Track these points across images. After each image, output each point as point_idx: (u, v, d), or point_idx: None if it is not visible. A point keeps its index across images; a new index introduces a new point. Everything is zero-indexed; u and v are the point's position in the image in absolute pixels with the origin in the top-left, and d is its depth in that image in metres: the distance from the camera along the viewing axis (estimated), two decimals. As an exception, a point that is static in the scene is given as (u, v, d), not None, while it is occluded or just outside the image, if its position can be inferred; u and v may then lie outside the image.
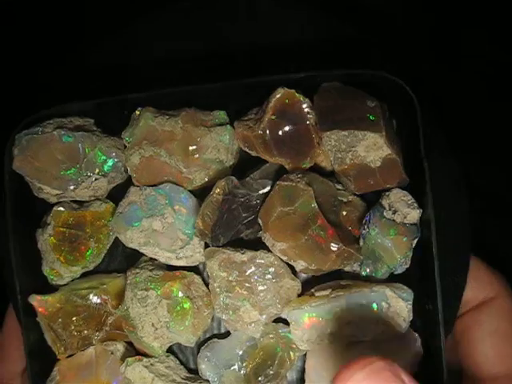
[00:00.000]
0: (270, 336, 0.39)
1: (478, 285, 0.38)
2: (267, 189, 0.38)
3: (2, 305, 0.40)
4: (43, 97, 0.39)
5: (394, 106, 0.37)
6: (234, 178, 0.38)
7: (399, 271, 0.37)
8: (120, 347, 0.39)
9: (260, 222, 0.36)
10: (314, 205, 0.35)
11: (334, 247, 0.35)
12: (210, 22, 0.41)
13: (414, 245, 0.37)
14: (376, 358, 0.28)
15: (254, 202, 0.38)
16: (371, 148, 0.35)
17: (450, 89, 0.43)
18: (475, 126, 0.44)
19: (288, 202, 0.35)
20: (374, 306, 0.36)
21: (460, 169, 0.39)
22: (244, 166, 0.40)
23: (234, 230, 0.38)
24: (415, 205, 0.37)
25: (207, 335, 0.40)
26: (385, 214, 0.37)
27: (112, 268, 0.41)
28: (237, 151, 0.39)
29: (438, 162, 0.37)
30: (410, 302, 0.36)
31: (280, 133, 0.37)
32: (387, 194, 0.37)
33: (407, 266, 0.37)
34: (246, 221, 0.38)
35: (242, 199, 0.38)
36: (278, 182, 0.36)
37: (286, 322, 0.39)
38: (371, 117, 0.35)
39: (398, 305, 0.36)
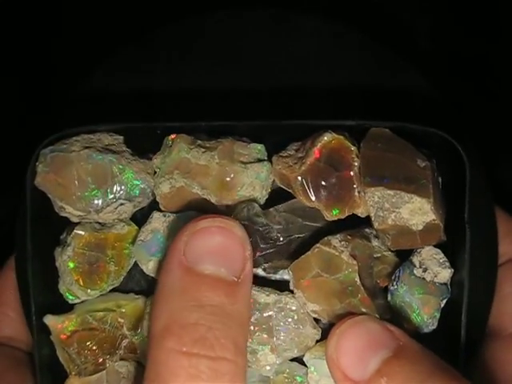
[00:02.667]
0: (284, 375, 0.38)
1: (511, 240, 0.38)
2: (294, 232, 0.36)
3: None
4: (70, 113, 0.37)
5: (441, 163, 0.36)
6: (256, 205, 0.36)
7: (426, 331, 0.36)
8: (131, 368, 0.39)
9: (290, 274, 0.35)
10: (357, 279, 0.34)
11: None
12: (252, 54, 0.38)
13: (442, 305, 0.36)
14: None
15: (274, 235, 0.37)
16: (416, 212, 0.34)
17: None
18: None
19: (328, 270, 0.34)
20: None
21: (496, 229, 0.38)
22: (275, 198, 0.38)
23: None
24: (447, 264, 0.36)
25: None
26: (415, 271, 0.36)
27: (130, 287, 0.40)
28: (271, 187, 0.37)
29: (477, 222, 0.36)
30: None
31: (321, 179, 0.35)
32: (419, 251, 0.36)
33: (434, 327, 0.36)
34: (264, 253, 0.37)
35: (261, 229, 0.36)
36: (318, 245, 0.34)
37: (299, 361, 0.39)
38: (420, 180, 0.33)
39: None
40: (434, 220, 0.34)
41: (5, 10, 0.35)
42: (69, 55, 0.39)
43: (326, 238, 0.35)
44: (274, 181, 0.37)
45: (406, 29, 0.42)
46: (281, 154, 0.36)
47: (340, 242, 0.34)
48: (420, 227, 0.34)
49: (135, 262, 0.39)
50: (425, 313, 0.35)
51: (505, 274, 0.38)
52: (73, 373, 0.37)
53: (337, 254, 0.34)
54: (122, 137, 0.37)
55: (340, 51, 0.39)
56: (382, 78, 0.39)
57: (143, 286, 0.40)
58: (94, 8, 0.38)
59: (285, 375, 0.38)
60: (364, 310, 0.34)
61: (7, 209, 0.37)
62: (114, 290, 0.39)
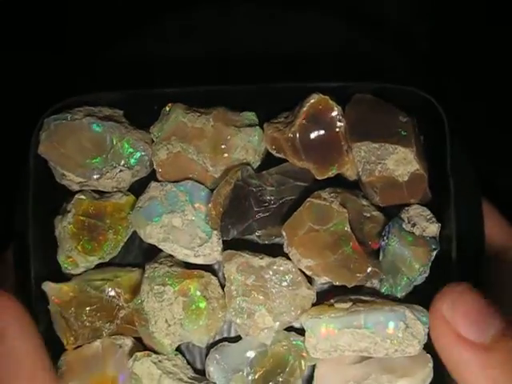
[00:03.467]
0: (282, 344, 0.38)
1: (498, 230, 0.38)
2: (286, 194, 0.38)
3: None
4: (75, 84, 0.39)
5: (421, 122, 0.38)
6: (249, 167, 0.38)
7: (419, 281, 0.37)
8: (128, 342, 0.39)
9: (284, 234, 0.36)
10: (348, 228, 0.35)
11: (364, 269, 0.35)
12: (243, 23, 0.41)
13: (432, 257, 0.37)
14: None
15: (268, 198, 0.38)
16: (401, 162, 0.36)
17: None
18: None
19: (320, 221, 0.35)
20: (391, 324, 0.36)
21: (479, 189, 0.39)
22: (265, 168, 0.40)
23: (244, 223, 0.38)
24: (434, 219, 0.37)
25: (217, 338, 0.40)
26: (404, 226, 0.37)
27: (127, 262, 0.40)
28: (263, 154, 0.39)
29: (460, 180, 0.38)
30: (427, 326, 0.36)
31: (310, 137, 0.37)
32: (406, 209, 0.37)
33: (426, 274, 0.37)
34: (257, 216, 0.38)
35: (255, 189, 0.38)
36: (308, 199, 0.36)
37: (297, 331, 0.39)
38: (402, 132, 0.36)
39: (416, 327, 0.35)
40: (417, 170, 0.36)
41: None
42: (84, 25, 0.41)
43: (315, 193, 0.36)
44: (264, 153, 0.39)
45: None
46: (271, 121, 0.39)
47: (329, 194, 0.36)
48: (405, 178, 0.36)
49: (133, 235, 0.40)
50: (417, 262, 0.36)
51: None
52: (69, 342, 0.37)
53: (327, 204, 0.35)
54: (121, 111, 0.39)
55: (326, 19, 0.42)
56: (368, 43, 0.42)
57: (140, 260, 0.40)
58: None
59: (283, 343, 0.39)
60: (356, 260, 0.35)
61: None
62: (111, 264, 0.40)
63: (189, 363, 0.40)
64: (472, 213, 0.38)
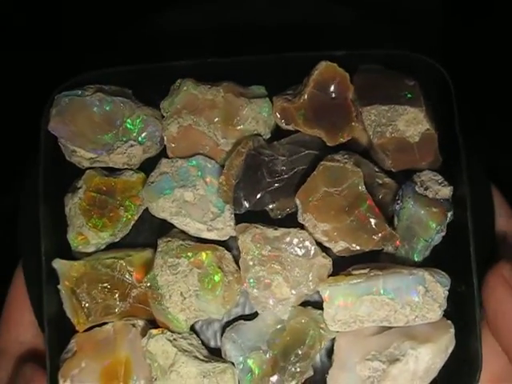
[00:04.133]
0: (300, 318, 0.37)
1: (504, 211, 0.38)
2: (298, 163, 0.38)
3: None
4: (85, 60, 0.40)
5: (428, 87, 0.38)
6: (261, 138, 0.38)
7: (436, 241, 0.37)
8: (141, 323, 0.37)
9: (298, 202, 0.36)
10: (362, 187, 0.35)
11: (381, 229, 0.35)
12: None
13: (448, 218, 0.37)
14: None
15: (280, 168, 0.38)
16: (411, 122, 0.36)
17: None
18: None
19: (334, 183, 0.35)
20: (411, 290, 0.35)
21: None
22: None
23: (257, 194, 0.37)
24: (446, 183, 0.37)
25: (232, 317, 0.39)
26: (417, 189, 0.37)
27: (138, 243, 0.40)
28: (273, 125, 0.39)
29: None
30: (447, 288, 0.35)
31: (320, 105, 0.37)
32: (418, 174, 0.38)
33: (443, 233, 0.37)
34: (270, 188, 0.38)
35: (267, 159, 0.37)
36: (322, 163, 0.36)
37: (314, 306, 0.38)
38: (410, 94, 0.36)
39: (436, 290, 0.35)
40: (428, 129, 0.36)
41: None
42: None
43: (329, 156, 0.36)
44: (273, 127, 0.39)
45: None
46: (281, 94, 0.39)
47: (343, 156, 0.36)
48: (416, 138, 0.36)
49: (144, 216, 0.39)
50: (433, 221, 0.36)
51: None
52: (80, 321, 0.36)
53: (341, 165, 0.35)
54: (130, 90, 0.39)
55: None
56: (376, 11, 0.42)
57: (151, 241, 0.39)
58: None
59: (300, 318, 0.38)
60: (373, 220, 0.35)
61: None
62: (122, 245, 0.39)
63: (203, 343, 0.39)
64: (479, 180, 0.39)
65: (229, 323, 0.39)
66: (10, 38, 0.44)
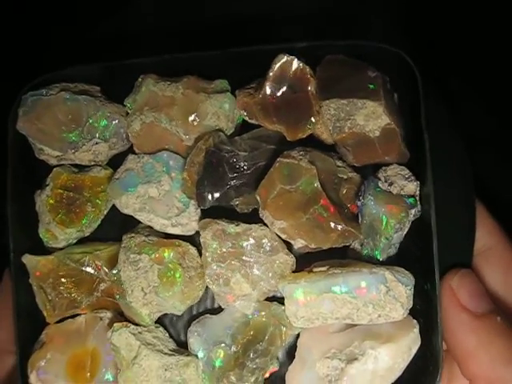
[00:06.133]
0: (263, 314, 0.38)
1: (481, 229, 0.38)
2: (259, 159, 0.37)
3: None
4: (51, 59, 0.40)
5: (396, 80, 0.37)
6: (222, 133, 0.38)
7: (396, 240, 0.36)
8: (109, 315, 0.39)
9: (258, 198, 0.36)
10: (317, 184, 0.34)
11: (336, 227, 0.34)
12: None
13: (411, 215, 0.36)
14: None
15: (242, 164, 0.37)
16: (370, 117, 0.35)
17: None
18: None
19: (289, 180, 0.35)
20: (372, 287, 0.34)
21: (462, 143, 0.38)
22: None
23: (220, 190, 0.37)
24: (412, 178, 0.36)
25: (200, 310, 0.40)
26: (380, 184, 0.36)
27: (110, 236, 0.40)
28: (238, 119, 0.39)
29: (439, 136, 0.37)
30: (410, 288, 0.34)
31: (280, 99, 0.37)
32: (384, 168, 0.36)
33: (403, 232, 0.36)
34: (233, 183, 0.37)
35: (227, 155, 0.37)
36: (278, 159, 0.35)
37: (279, 301, 0.38)
38: (371, 86, 0.35)
39: (397, 289, 0.34)
40: (388, 124, 0.35)
41: None
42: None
43: (285, 152, 0.36)
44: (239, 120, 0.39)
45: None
46: (244, 87, 0.38)
47: (299, 152, 0.35)
48: (377, 133, 0.35)
49: (114, 211, 0.40)
50: (392, 218, 0.35)
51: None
52: (49, 314, 0.38)
53: (296, 162, 0.35)
54: (98, 87, 0.40)
55: None
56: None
57: (121, 236, 0.40)
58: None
59: (263, 313, 0.38)
60: (327, 217, 0.34)
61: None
62: (93, 239, 0.40)
63: (172, 337, 0.39)
64: (455, 170, 0.37)
65: (197, 316, 0.39)
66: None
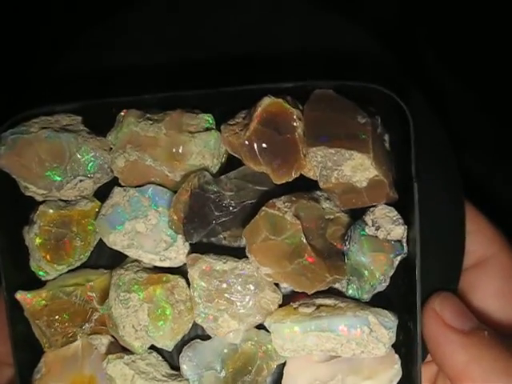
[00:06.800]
0: (251, 343, 0.39)
1: (480, 239, 0.39)
2: (246, 197, 0.37)
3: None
4: (29, 96, 0.39)
5: (387, 118, 0.35)
6: (207, 173, 0.37)
7: (379, 289, 0.36)
8: (105, 341, 0.40)
9: (244, 239, 0.36)
10: (303, 238, 0.34)
11: (322, 280, 0.35)
12: (199, 27, 0.39)
13: (397, 261, 0.36)
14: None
15: (227, 202, 0.37)
16: (358, 168, 0.34)
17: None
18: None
19: (274, 232, 0.35)
20: (355, 329, 0.35)
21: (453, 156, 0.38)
22: (231, 165, 0.39)
23: (207, 227, 0.37)
24: (400, 221, 0.36)
25: (191, 335, 0.41)
26: (366, 230, 0.36)
27: (100, 264, 0.41)
28: (224, 153, 0.38)
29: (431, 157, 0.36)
30: (393, 330, 0.35)
31: (266, 142, 0.35)
32: (372, 209, 0.36)
33: (386, 283, 0.36)
34: (219, 221, 0.37)
35: (213, 196, 0.37)
36: (263, 208, 0.35)
37: (267, 329, 0.39)
38: (361, 135, 0.33)
39: (380, 331, 0.35)
40: (376, 176, 0.34)
41: None
42: (27, 39, 0.41)
43: (271, 201, 0.35)
44: (226, 153, 0.38)
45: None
46: (229, 122, 0.37)
47: (284, 203, 0.35)
48: (364, 184, 0.34)
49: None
50: (377, 270, 0.35)
51: (475, 277, 0.39)
52: (46, 346, 0.39)
53: (280, 214, 0.34)
54: (79, 117, 0.39)
55: (286, 17, 0.39)
56: (331, 41, 0.39)
57: (112, 262, 0.41)
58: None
59: (251, 342, 0.39)
60: (313, 269, 0.35)
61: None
62: (84, 266, 0.41)
63: (166, 360, 0.41)
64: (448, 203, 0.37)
65: (189, 340, 0.41)
66: None
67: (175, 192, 0.38)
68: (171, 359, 0.41)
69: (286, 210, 0.34)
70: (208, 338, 0.40)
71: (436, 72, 0.46)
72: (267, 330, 0.39)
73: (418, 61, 0.47)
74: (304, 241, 0.34)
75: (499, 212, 0.41)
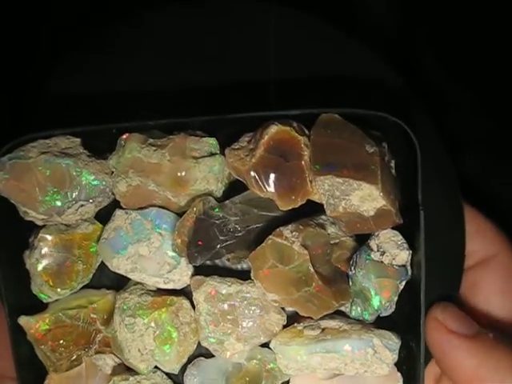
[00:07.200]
0: (255, 362, 0.39)
1: (481, 239, 0.39)
2: (251, 222, 0.37)
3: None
4: (27, 119, 0.37)
5: (395, 145, 0.35)
6: (212, 198, 0.37)
7: (384, 314, 0.37)
8: (109, 361, 0.40)
9: (250, 264, 0.36)
10: (310, 268, 0.34)
11: (329, 308, 0.35)
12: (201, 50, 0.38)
13: (402, 286, 0.36)
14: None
15: (231, 226, 0.37)
16: (366, 199, 0.34)
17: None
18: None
19: (281, 260, 0.35)
20: (359, 351, 0.36)
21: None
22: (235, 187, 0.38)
23: (211, 250, 0.37)
24: (405, 245, 0.36)
25: (195, 353, 0.41)
26: (372, 255, 0.36)
27: (102, 283, 0.41)
28: (228, 178, 0.38)
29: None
30: (396, 352, 0.36)
31: (272, 170, 0.35)
32: (377, 234, 0.36)
33: (392, 309, 0.36)
34: (224, 244, 0.37)
35: (217, 221, 0.37)
36: (271, 237, 0.35)
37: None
38: (370, 166, 0.33)
39: (384, 353, 0.36)
40: (384, 206, 0.34)
41: None
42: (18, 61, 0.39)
43: (278, 229, 0.35)
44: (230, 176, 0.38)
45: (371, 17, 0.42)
46: (233, 146, 0.37)
47: (291, 232, 0.35)
48: (371, 213, 0.34)
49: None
50: (383, 297, 0.35)
51: (478, 277, 0.39)
52: (50, 369, 0.39)
53: (288, 244, 0.34)
54: (78, 139, 0.38)
55: (297, 42, 0.39)
56: (342, 67, 0.39)
57: (115, 282, 0.40)
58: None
59: (256, 361, 0.39)
60: (319, 297, 0.35)
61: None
62: (86, 287, 0.41)
63: (171, 377, 0.41)
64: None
65: (193, 358, 0.41)
66: None
67: (178, 214, 0.38)
68: (176, 377, 0.41)
69: (293, 239, 0.34)
70: (212, 355, 0.41)
71: (434, 73, 0.46)
72: (270, 348, 0.40)
73: (416, 64, 0.46)
74: (311, 270, 0.34)
75: (499, 212, 0.41)
